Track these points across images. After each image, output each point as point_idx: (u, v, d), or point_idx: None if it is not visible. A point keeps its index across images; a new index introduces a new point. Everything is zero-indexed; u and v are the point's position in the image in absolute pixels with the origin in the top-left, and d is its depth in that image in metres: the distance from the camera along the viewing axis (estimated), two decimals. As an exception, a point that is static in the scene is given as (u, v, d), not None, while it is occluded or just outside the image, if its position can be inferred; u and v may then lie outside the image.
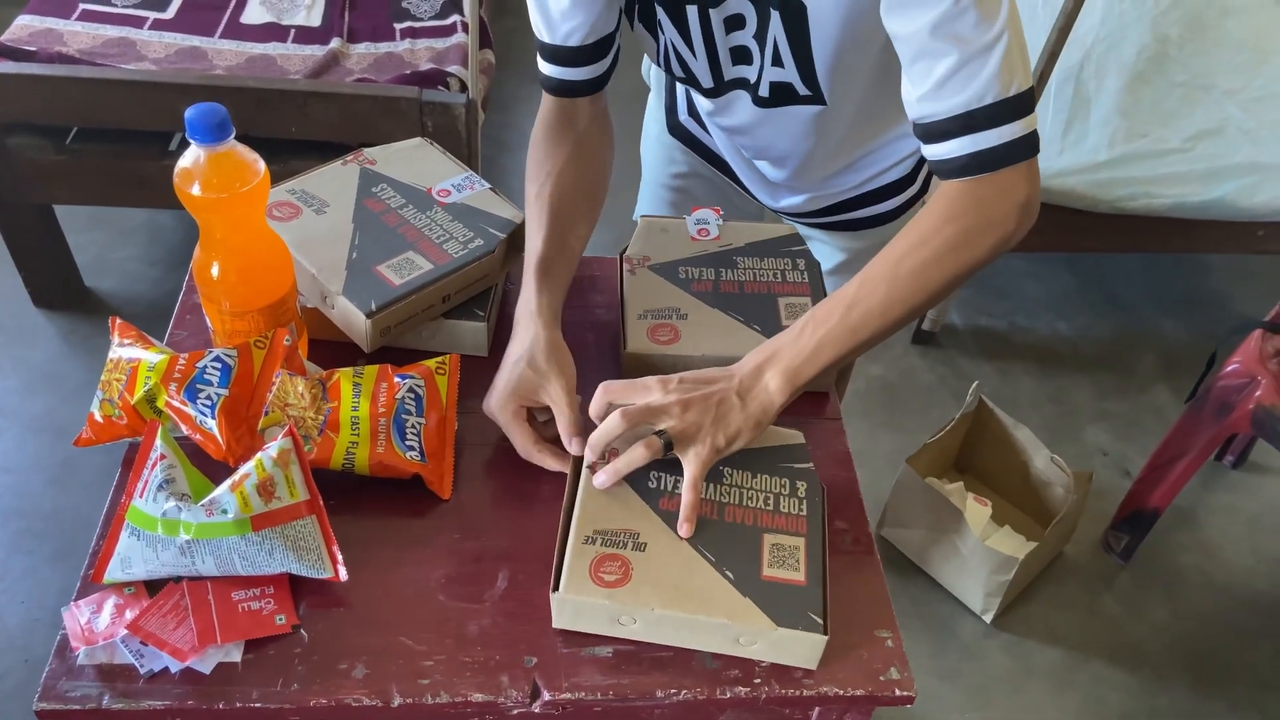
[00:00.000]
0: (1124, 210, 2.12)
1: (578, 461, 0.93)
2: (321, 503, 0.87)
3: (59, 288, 2.26)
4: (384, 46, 2.21)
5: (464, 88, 2.02)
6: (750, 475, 0.93)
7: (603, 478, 0.89)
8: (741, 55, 1.03)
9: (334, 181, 1.12)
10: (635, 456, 0.88)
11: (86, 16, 2.15)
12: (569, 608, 0.85)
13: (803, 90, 1.03)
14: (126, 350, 0.95)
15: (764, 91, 1.04)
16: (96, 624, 0.83)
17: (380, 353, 1.04)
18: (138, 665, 0.81)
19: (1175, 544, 2.06)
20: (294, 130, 1.92)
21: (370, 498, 0.95)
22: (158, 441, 0.87)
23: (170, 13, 2.22)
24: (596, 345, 1.13)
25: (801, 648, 0.84)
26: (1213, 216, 2.15)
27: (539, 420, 1.00)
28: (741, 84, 1.07)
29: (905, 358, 2.40)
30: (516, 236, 1.12)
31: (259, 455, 0.85)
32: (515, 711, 0.83)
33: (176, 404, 0.91)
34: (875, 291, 0.90)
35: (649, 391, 0.90)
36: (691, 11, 1.00)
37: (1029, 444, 1.92)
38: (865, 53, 0.98)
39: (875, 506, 2.00)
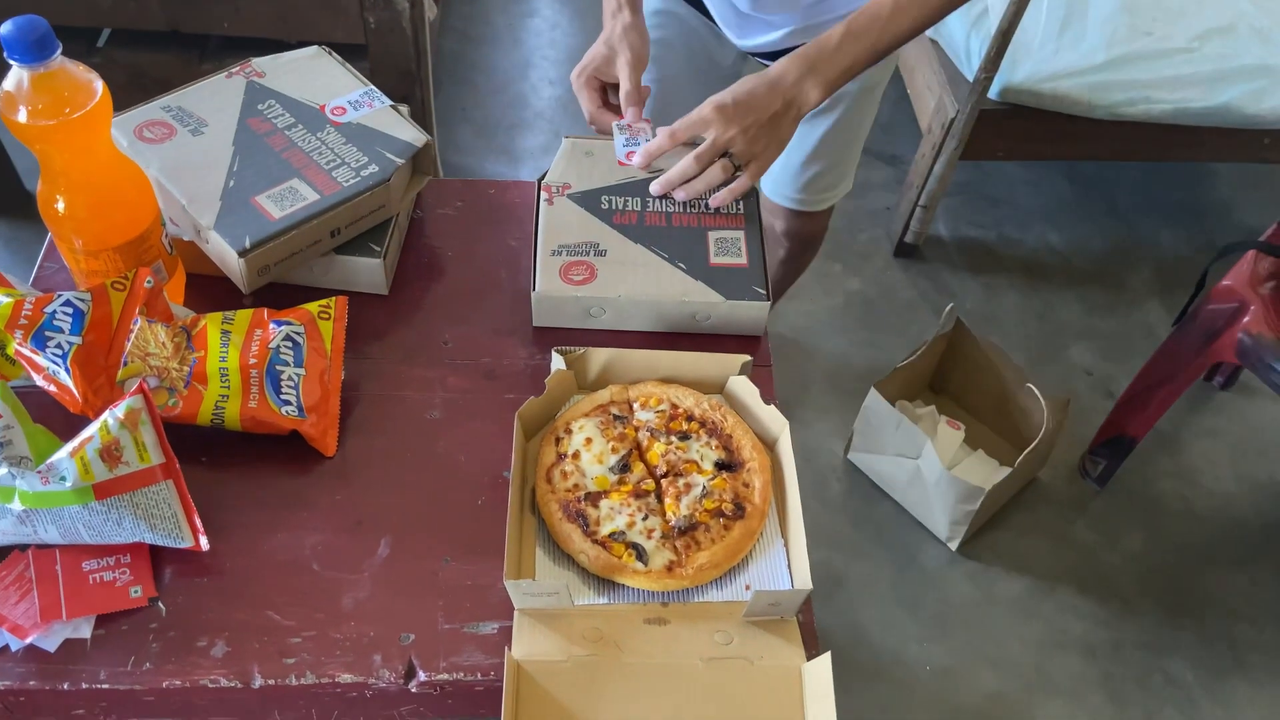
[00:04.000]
0: (1121, 116, 1.98)
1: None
2: (178, 466, 0.79)
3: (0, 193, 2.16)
4: (328, -68, 2.04)
5: (411, -21, 1.87)
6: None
7: (682, 195, 1.04)
8: None
9: (216, 96, 1.01)
10: (714, 175, 1.02)
11: (6, -102, 1.98)
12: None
13: None
14: (-27, 291, 0.86)
15: None
16: (-66, 596, 0.77)
17: (268, 291, 0.96)
18: (-22, 642, 0.75)
19: (1155, 469, 1.99)
20: (226, 26, 1.79)
21: (246, 454, 0.88)
22: (-7, 399, 0.79)
23: (99, -107, 2.05)
24: (511, 284, 1.03)
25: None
26: (1216, 123, 2.00)
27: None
28: None
29: (886, 271, 2.29)
30: (421, 161, 1.02)
31: (104, 416, 0.77)
32: (389, 693, 0.77)
33: (26, 352, 0.83)
34: (906, 15, 1.02)
35: (708, 125, 1.00)
36: None
37: (1006, 367, 1.83)
38: None
39: (846, 428, 1.92)
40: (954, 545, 1.81)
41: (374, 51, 1.83)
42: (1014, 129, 2.05)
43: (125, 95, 1.98)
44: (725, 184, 1.03)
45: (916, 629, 1.73)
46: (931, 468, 1.72)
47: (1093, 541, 1.87)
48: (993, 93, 1.97)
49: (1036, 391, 1.73)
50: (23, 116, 0.76)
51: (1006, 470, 1.77)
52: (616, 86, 1.09)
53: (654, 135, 1.06)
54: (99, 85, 0.78)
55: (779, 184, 1.53)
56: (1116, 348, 2.18)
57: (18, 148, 2.17)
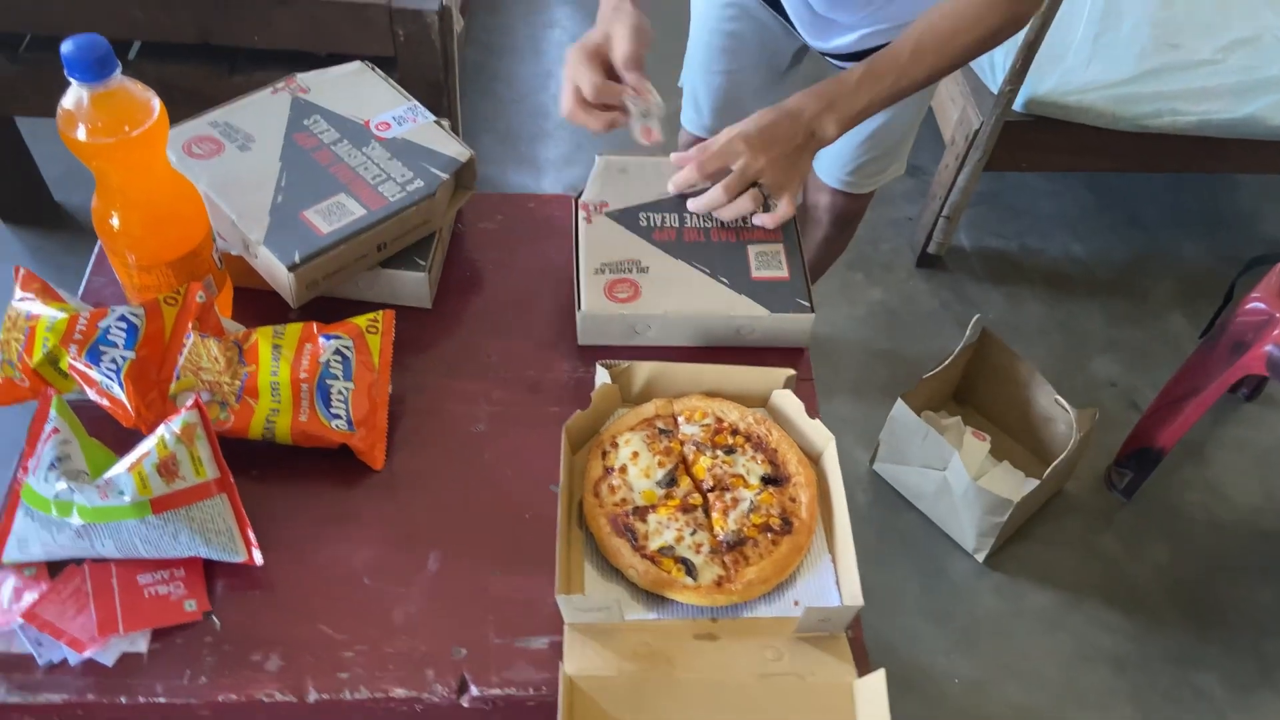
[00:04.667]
0: (1147, 128, 1.98)
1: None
2: (232, 480, 0.80)
3: (27, 203, 2.17)
4: (356, -56, 2.05)
5: (439, -8, 1.88)
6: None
7: (724, 215, 1.04)
8: None
9: (262, 112, 1.02)
10: (743, 205, 1.02)
11: (38, -89, 2.00)
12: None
13: None
14: (26, 305, 0.87)
15: None
16: (-8, 609, 0.78)
17: (313, 304, 0.96)
18: (36, 655, 0.76)
19: (1181, 480, 1.98)
20: (257, 39, 1.80)
21: (295, 467, 0.88)
22: (51, 413, 0.80)
23: (129, -94, 2.06)
24: (553, 298, 1.04)
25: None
26: (1242, 135, 2.00)
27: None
28: None
29: (908, 282, 2.29)
30: (464, 176, 1.02)
31: (160, 430, 0.78)
32: (442, 708, 0.78)
33: (80, 367, 0.83)
34: (923, 63, 1.04)
35: (736, 155, 1.01)
36: None
37: (1032, 378, 1.83)
38: None
39: (870, 438, 1.92)
40: (981, 557, 1.80)
41: (403, 63, 1.84)
42: (1038, 141, 2.05)
43: (156, 107, 1.99)
44: (685, 211, 1.05)
45: (944, 641, 1.73)
46: (959, 479, 1.71)
47: (1119, 553, 1.87)
48: (1017, 105, 1.97)
49: (1065, 404, 1.73)
50: (82, 134, 0.77)
51: (1033, 482, 1.77)
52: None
53: (659, 104, 1.01)
54: (156, 103, 0.79)
55: (830, 166, 1.56)
56: (1140, 359, 2.18)
57: (46, 158, 2.19)
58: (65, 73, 0.74)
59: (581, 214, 1.04)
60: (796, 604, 0.83)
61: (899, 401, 1.76)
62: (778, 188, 1.03)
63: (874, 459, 1.91)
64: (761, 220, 1.04)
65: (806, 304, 0.99)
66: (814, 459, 0.92)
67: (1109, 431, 1.97)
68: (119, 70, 0.76)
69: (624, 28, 1.00)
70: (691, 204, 1.05)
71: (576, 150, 2.47)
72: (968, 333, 1.82)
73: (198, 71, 1.86)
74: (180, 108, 1.99)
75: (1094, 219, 2.48)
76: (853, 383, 2.09)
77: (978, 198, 2.43)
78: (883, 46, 1.23)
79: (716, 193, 1.02)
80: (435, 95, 1.89)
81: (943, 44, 1.03)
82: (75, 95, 0.76)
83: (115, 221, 0.83)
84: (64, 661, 0.76)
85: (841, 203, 1.62)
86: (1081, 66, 1.97)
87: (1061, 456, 1.69)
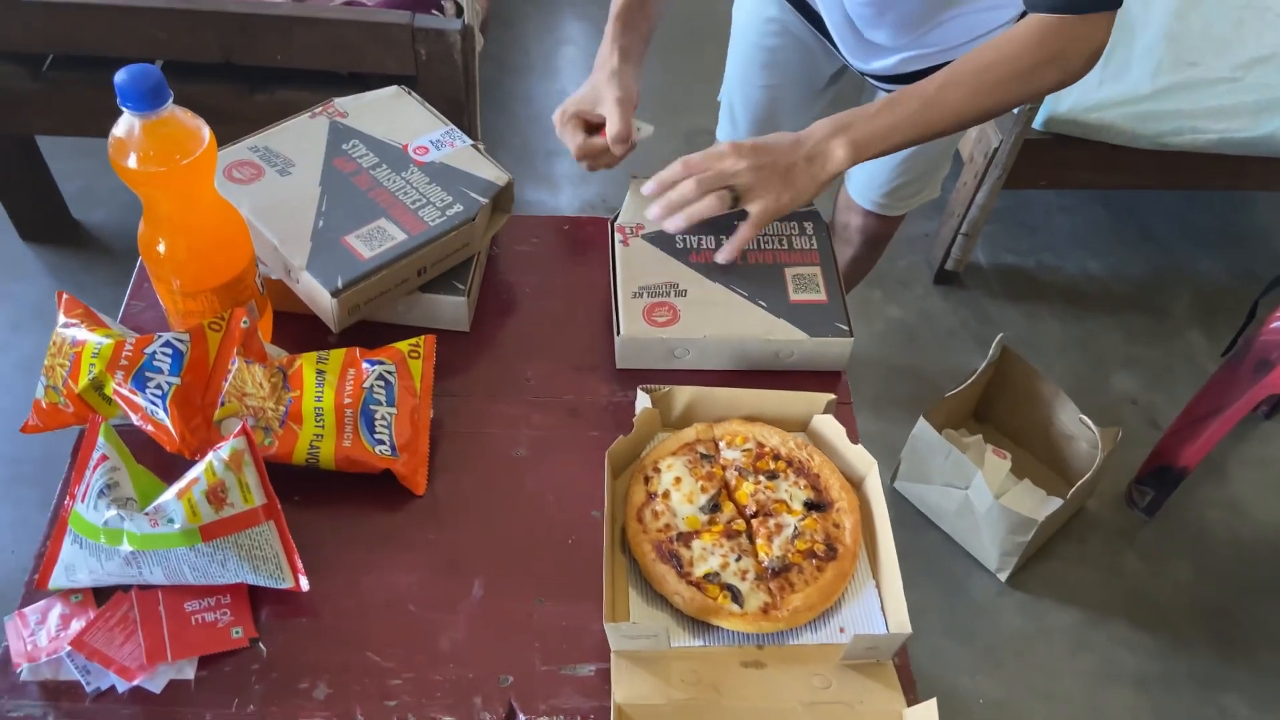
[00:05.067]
0: (1166, 146, 1.98)
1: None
2: (279, 506, 0.80)
3: (46, 220, 2.18)
4: (377, -37, 2.06)
5: (460, 11, 1.89)
6: None
7: (680, 221, 0.97)
8: None
9: (301, 137, 1.02)
10: (706, 205, 0.96)
11: (61, -69, 2.01)
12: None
13: None
14: (71, 331, 0.87)
15: None
16: (40, 637, 0.78)
17: (353, 328, 0.96)
18: (84, 683, 0.76)
19: (1202, 499, 1.98)
20: (279, 58, 1.81)
21: (338, 492, 0.88)
22: (99, 440, 0.80)
23: (151, -74, 2.07)
24: (589, 321, 1.04)
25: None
26: (1261, 153, 2.00)
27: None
28: None
29: (926, 299, 2.29)
30: (501, 199, 1.03)
31: (209, 457, 0.78)
32: (489, 735, 0.77)
33: (125, 393, 0.84)
34: (956, 93, 0.98)
35: (722, 158, 0.97)
36: None
37: (1054, 396, 1.83)
38: None
39: (890, 455, 1.92)
40: (1004, 576, 1.80)
41: (424, 82, 1.84)
42: (1058, 158, 2.06)
43: (180, 126, 1.99)
44: (728, 232, 1.00)
45: (968, 661, 1.72)
46: (982, 498, 1.71)
47: (1142, 572, 1.86)
48: (1036, 123, 1.98)
49: (1090, 423, 1.73)
50: (133, 163, 0.77)
51: (1054, 500, 1.76)
52: (601, 126, 1.06)
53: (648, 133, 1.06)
54: (206, 132, 0.79)
55: (863, 187, 1.57)
56: (1159, 376, 2.18)
57: (64, 176, 2.19)
58: (118, 102, 0.75)
59: (618, 236, 1.04)
60: (842, 631, 0.83)
61: (921, 420, 1.76)
62: (748, 190, 0.97)
63: (895, 477, 1.91)
64: (719, 254, 1.01)
65: (845, 328, 0.99)
66: (855, 484, 0.92)
67: (1129, 449, 1.96)
68: (171, 100, 0.76)
69: (612, 96, 1.03)
70: (657, 205, 0.99)
71: (593, 167, 2.47)
72: (990, 352, 1.82)
73: (220, 90, 1.86)
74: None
75: (1109, 235, 2.49)
76: (872, 400, 2.08)
77: (993, 214, 2.44)
78: (923, 71, 1.25)
79: (689, 184, 0.97)
80: (456, 114, 1.89)
81: (976, 75, 0.97)
82: (127, 124, 0.76)
83: (162, 248, 0.83)
84: (111, 689, 0.76)
85: (873, 224, 1.63)
86: (1099, 84, 1.97)
87: (1086, 476, 1.69)
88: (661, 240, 1.04)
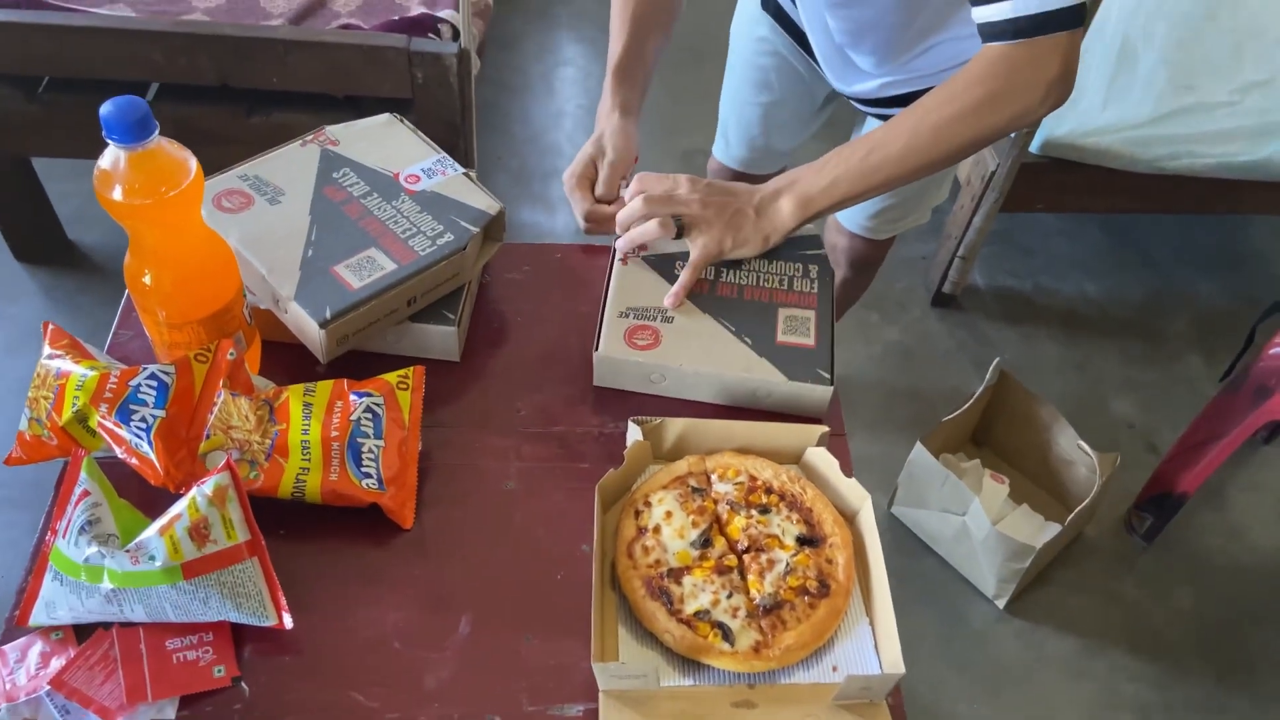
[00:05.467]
0: (1164, 170, 1.98)
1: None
2: (263, 542, 0.79)
3: (41, 241, 2.17)
4: (375, -14, 2.06)
5: (456, 35, 1.89)
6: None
7: (622, 245, 1.02)
8: None
9: (291, 165, 1.01)
10: (648, 229, 0.99)
11: (59, -47, 2.02)
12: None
13: None
14: (56, 362, 0.86)
15: None
16: (19, 675, 0.76)
17: (341, 358, 0.95)
18: (63, 723, 0.74)
19: (1201, 524, 1.96)
20: (275, 81, 1.80)
21: (324, 526, 0.87)
22: (81, 475, 0.79)
23: (149, -52, 2.08)
24: (581, 350, 1.03)
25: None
26: (1259, 177, 2.00)
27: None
28: None
29: (923, 321, 2.29)
30: (492, 228, 1.02)
31: (192, 493, 0.77)
32: (475, 777, 0.76)
33: (110, 426, 0.83)
34: (898, 139, 0.96)
35: (677, 185, 1.00)
36: None
37: (1052, 421, 1.82)
38: None
39: (887, 479, 1.91)
40: (1002, 603, 1.78)
41: (420, 105, 1.84)
42: (1055, 182, 2.05)
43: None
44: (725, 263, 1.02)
45: (966, 689, 1.70)
46: (979, 525, 1.70)
47: (1142, 599, 1.85)
48: (1034, 147, 1.97)
49: (1088, 449, 1.72)
50: (118, 195, 0.76)
51: (1052, 526, 1.75)
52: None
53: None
54: (193, 164, 0.79)
55: (850, 211, 1.56)
56: (1157, 400, 2.17)
57: (60, 197, 2.19)
58: (104, 134, 0.74)
59: (618, 255, 1.04)
60: (835, 670, 0.81)
61: (918, 445, 1.75)
62: (693, 224, 0.99)
63: (892, 502, 1.90)
64: (667, 299, 1.00)
65: (826, 375, 0.96)
66: (849, 518, 0.91)
67: (1128, 473, 1.95)
68: (157, 131, 0.76)
69: (607, 159, 1.06)
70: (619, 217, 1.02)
71: (590, 188, 2.47)
72: (988, 376, 1.81)
73: (216, 113, 1.86)
74: (199, 149, 1.99)
75: (1107, 258, 2.48)
76: (869, 422, 2.07)
77: (991, 236, 2.43)
78: (903, 96, 1.25)
79: (637, 202, 1.00)
80: (452, 137, 1.90)
81: (917, 120, 0.95)
82: (112, 156, 0.76)
83: (148, 279, 0.82)
84: (91, 729, 0.74)
85: (860, 247, 1.62)
86: (1098, 109, 1.97)
87: (1085, 503, 1.68)
88: (660, 265, 1.03)
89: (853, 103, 1.36)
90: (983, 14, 0.91)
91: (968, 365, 2.20)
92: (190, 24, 1.81)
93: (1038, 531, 1.78)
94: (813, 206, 1.00)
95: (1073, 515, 1.68)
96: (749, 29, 1.42)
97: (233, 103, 1.87)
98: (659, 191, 1.01)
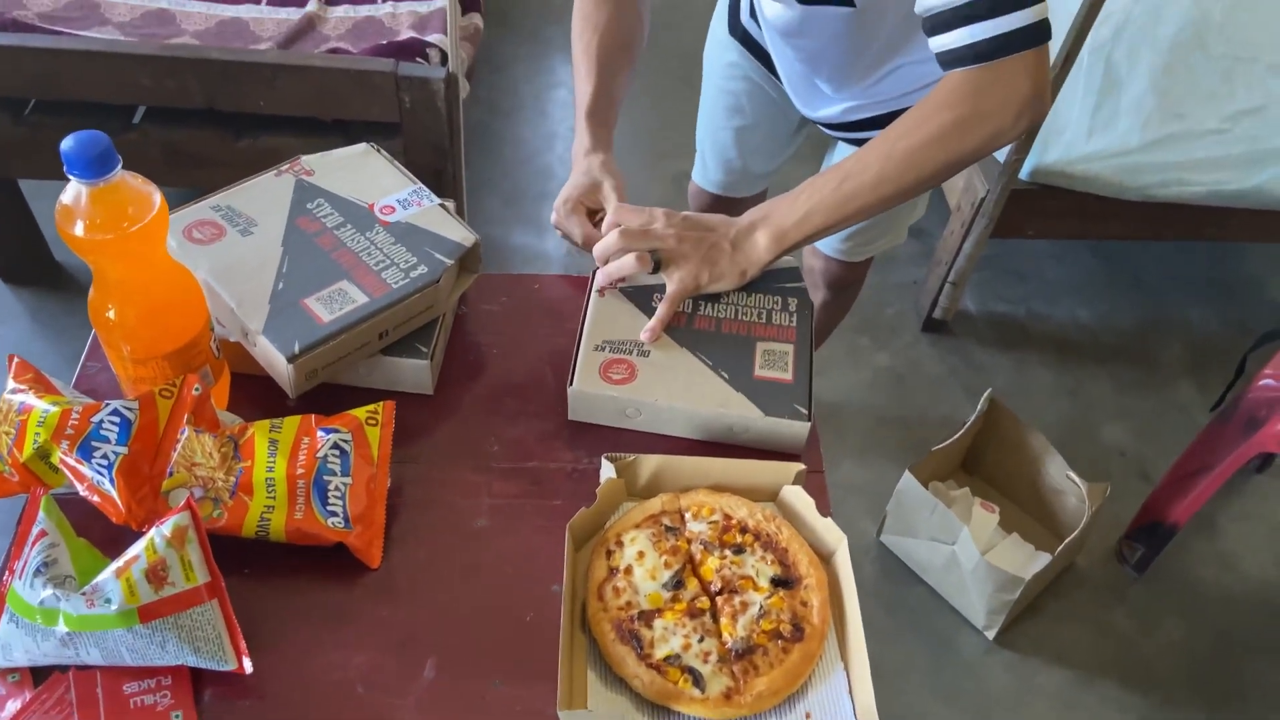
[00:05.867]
0: (1154, 198, 1.97)
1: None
2: (223, 584, 0.77)
3: (27, 263, 2.16)
4: (364, 9, 2.06)
5: (444, 59, 1.89)
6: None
7: (599, 279, 1.01)
8: None
9: (265, 196, 1.00)
10: (625, 264, 0.99)
11: (49, -25, 2.01)
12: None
13: None
14: (19, 397, 0.85)
15: None
16: (-29, 720, 0.75)
17: (311, 391, 0.94)
18: (15, 770, 0.73)
19: (1193, 554, 1.95)
20: (262, 105, 1.80)
21: (289, 565, 0.85)
22: (40, 514, 0.77)
23: (140, -30, 2.08)
24: (557, 384, 1.01)
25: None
26: (1249, 205, 1.99)
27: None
28: None
29: (915, 346, 2.27)
30: (468, 260, 1.01)
31: (150, 534, 0.75)
32: (436, 827, 0.74)
33: (71, 462, 0.81)
34: (869, 168, 0.95)
35: (654, 219, 1.00)
36: None
37: (1043, 450, 1.80)
38: None
39: (876, 507, 1.89)
40: (991, 634, 1.77)
41: (408, 129, 1.84)
42: (1045, 209, 2.05)
43: (160, 171, 1.98)
44: (704, 297, 1.02)
45: (955, 722, 1.68)
46: (968, 555, 1.68)
47: (1132, 630, 1.83)
48: (1023, 173, 1.97)
49: (1078, 480, 1.70)
50: (79, 230, 0.75)
51: (1043, 556, 1.73)
52: (602, 214, 1.07)
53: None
54: (157, 197, 0.78)
55: None
56: (1149, 428, 2.15)
57: (47, 218, 2.18)
58: (65, 170, 0.73)
59: (595, 285, 1.02)
60: (809, 716, 0.80)
61: (906, 474, 1.73)
62: (669, 259, 0.99)
63: (881, 530, 1.88)
64: (643, 333, 0.98)
65: (804, 411, 0.94)
66: (825, 558, 0.89)
67: (1119, 502, 1.94)
68: (119, 166, 0.75)
69: (610, 184, 1.06)
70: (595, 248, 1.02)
71: (581, 211, 2.47)
72: (979, 405, 1.80)
73: (203, 136, 1.86)
74: (185, 171, 1.98)
75: (1099, 283, 2.47)
76: (859, 449, 2.06)
77: (982, 261, 2.42)
78: (867, 120, 1.24)
79: (613, 236, 0.99)
80: (440, 160, 1.89)
81: (887, 146, 0.95)
82: (74, 191, 0.75)
83: (112, 314, 0.81)
84: (44, 777, 0.73)
85: (836, 269, 1.61)
86: (1083, 137, 1.97)
87: (1074, 534, 1.66)
88: (638, 296, 1.02)
89: (821, 128, 1.35)
90: (940, 42, 0.90)
91: (959, 391, 2.19)
92: (177, 48, 1.81)
93: (1028, 561, 1.76)
94: (788, 240, 0.99)
95: (1062, 546, 1.66)
96: (719, 54, 1.42)
97: (220, 126, 1.86)
98: (635, 225, 1.00)
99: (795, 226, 0.98)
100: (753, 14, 1.32)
